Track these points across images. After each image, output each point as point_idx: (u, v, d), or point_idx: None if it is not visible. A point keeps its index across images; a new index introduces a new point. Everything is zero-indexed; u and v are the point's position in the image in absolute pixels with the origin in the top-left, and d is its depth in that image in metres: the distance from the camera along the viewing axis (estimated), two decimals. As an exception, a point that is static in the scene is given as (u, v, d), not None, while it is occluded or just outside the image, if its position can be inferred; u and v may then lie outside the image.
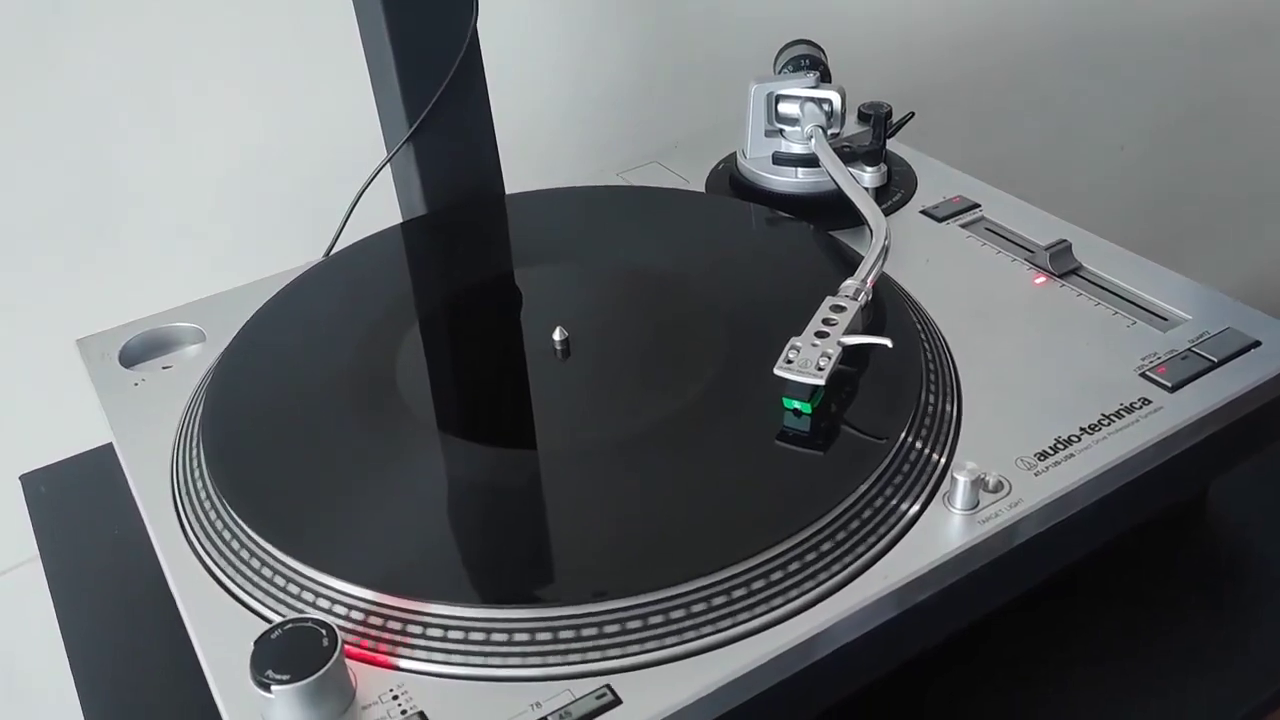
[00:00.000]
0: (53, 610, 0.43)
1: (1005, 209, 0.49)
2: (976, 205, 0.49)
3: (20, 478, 0.51)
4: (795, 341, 0.36)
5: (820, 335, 0.36)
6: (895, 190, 0.50)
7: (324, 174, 0.54)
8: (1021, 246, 0.46)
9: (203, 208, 0.60)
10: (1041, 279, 0.44)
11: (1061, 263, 0.44)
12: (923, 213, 0.49)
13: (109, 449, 0.43)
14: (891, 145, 0.53)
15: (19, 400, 0.59)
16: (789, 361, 0.36)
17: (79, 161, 0.57)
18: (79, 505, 0.49)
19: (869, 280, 0.39)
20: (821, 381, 0.35)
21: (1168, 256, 0.46)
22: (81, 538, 0.47)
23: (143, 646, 0.41)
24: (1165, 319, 0.41)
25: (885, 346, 0.36)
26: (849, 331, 0.37)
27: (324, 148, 0.58)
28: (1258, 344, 0.39)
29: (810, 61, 0.51)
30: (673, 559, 0.32)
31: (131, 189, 0.58)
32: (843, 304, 0.38)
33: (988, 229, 0.48)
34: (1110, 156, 0.94)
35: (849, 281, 0.39)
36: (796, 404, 0.36)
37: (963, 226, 0.48)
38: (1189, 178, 1.00)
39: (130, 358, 0.45)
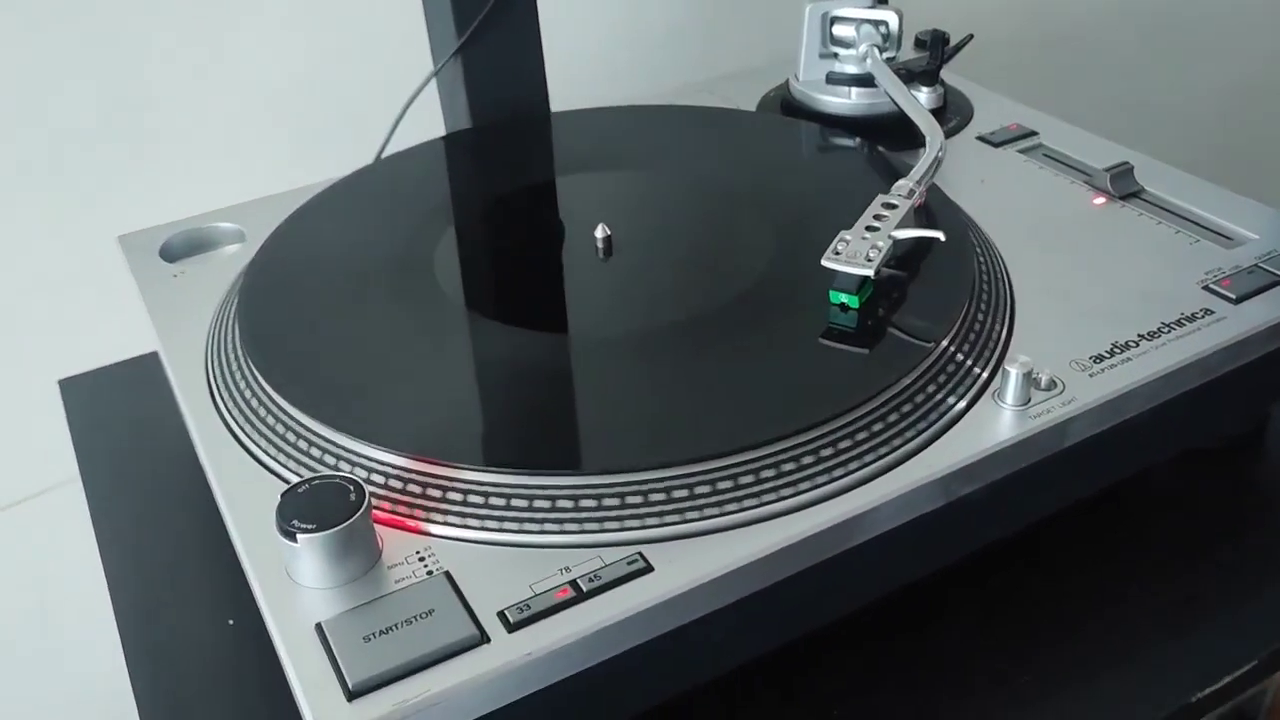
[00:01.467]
0: (88, 532, 0.43)
1: (1064, 135, 0.47)
2: (1034, 132, 0.47)
3: (59, 382, 0.51)
4: (845, 234, 0.35)
5: (870, 229, 0.35)
6: (951, 116, 0.49)
7: (372, 92, 0.53)
8: (1080, 171, 0.45)
9: (254, 123, 0.60)
10: (1101, 200, 0.42)
11: (1122, 184, 0.42)
12: (979, 139, 0.47)
13: (152, 357, 0.43)
14: (950, 78, 0.52)
15: (66, 310, 0.59)
16: (837, 253, 0.35)
17: (129, 76, 0.57)
18: (120, 410, 0.49)
19: (923, 183, 0.38)
20: (870, 272, 0.34)
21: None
22: (120, 443, 0.47)
23: (177, 557, 0.41)
24: (1230, 238, 0.40)
25: (938, 240, 0.35)
26: (900, 226, 0.36)
27: (372, 65, 0.58)
28: (1301, 256, 0.38)
29: (865, -18, 0.50)
30: (706, 435, 0.31)
31: (181, 104, 0.59)
32: (894, 201, 0.37)
33: (1045, 155, 0.46)
34: (1174, 113, 0.92)
35: (902, 181, 0.38)
36: (844, 297, 0.35)
37: (1020, 151, 0.46)
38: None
39: (171, 254, 0.45)
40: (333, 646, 0.27)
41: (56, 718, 0.70)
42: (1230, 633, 0.35)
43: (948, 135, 0.47)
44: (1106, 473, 0.36)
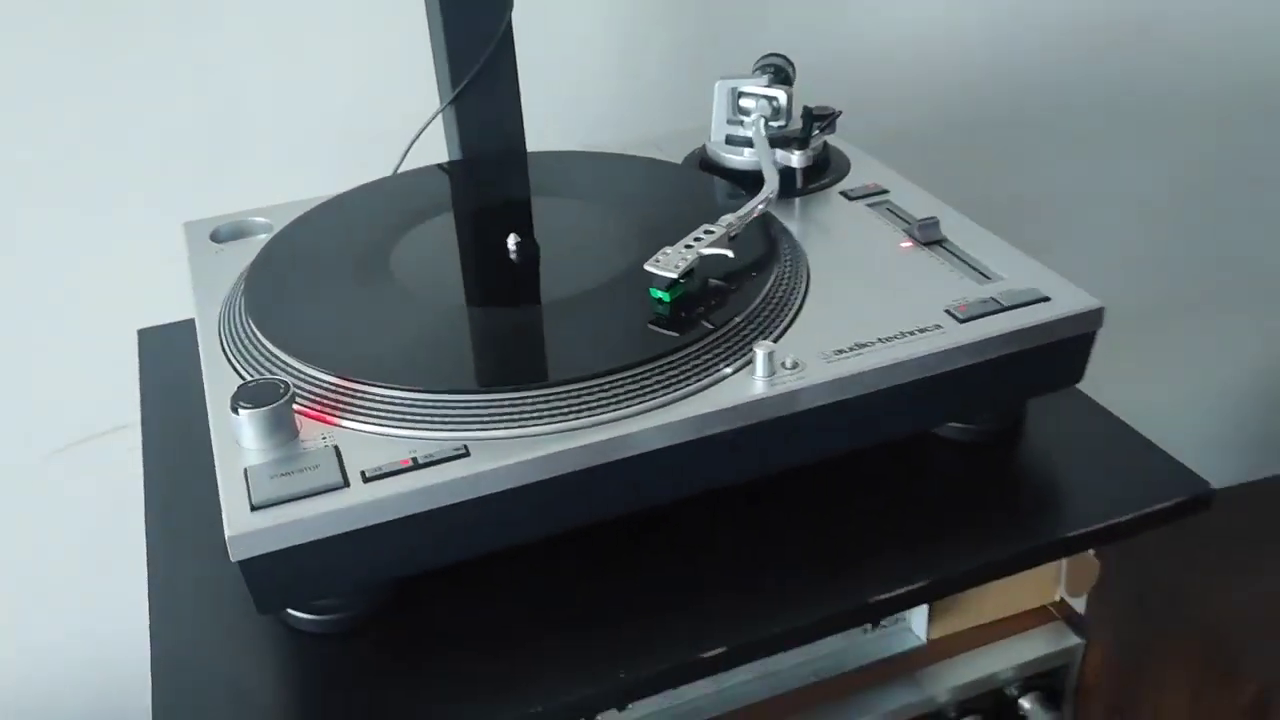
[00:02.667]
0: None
1: (911, 197, 0.60)
2: (885, 191, 0.60)
3: (139, 331, 0.67)
4: (666, 249, 0.48)
5: (687, 247, 0.48)
6: (827, 175, 0.61)
7: (407, 123, 0.68)
8: (906, 222, 0.57)
9: (303, 143, 0.76)
10: (908, 244, 0.54)
11: (927, 233, 0.54)
12: (841, 193, 0.60)
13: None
14: (849, 148, 0.65)
15: (148, 283, 0.76)
16: (656, 261, 0.48)
17: (223, 96, 0.74)
18: (184, 362, 0.65)
19: (743, 219, 0.51)
20: (674, 275, 0.47)
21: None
22: (182, 392, 0.62)
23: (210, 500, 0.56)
24: (989, 278, 0.51)
25: (727, 257, 0.48)
26: (710, 246, 0.49)
27: (407, 99, 0.73)
28: (1047, 299, 0.49)
29: (774, 69, 0.63)
30: (525, 371, 0.45)
31: (250, 120, 0.75)
32: (712, 229, 0.50)
33: (888, 209, 0.58)
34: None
35: (727, 216, 0.51)
36: (658, 294, 0.48)
37: (868, 205, 0.59)
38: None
39: (219, 238, 0.60)
40: (249, 480, 0.41)
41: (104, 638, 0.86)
42: (894, 570, 0.47)
43: (815, 189, 0.60)
44: (843, 438, 0.48)
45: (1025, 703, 0.62)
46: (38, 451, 0.78)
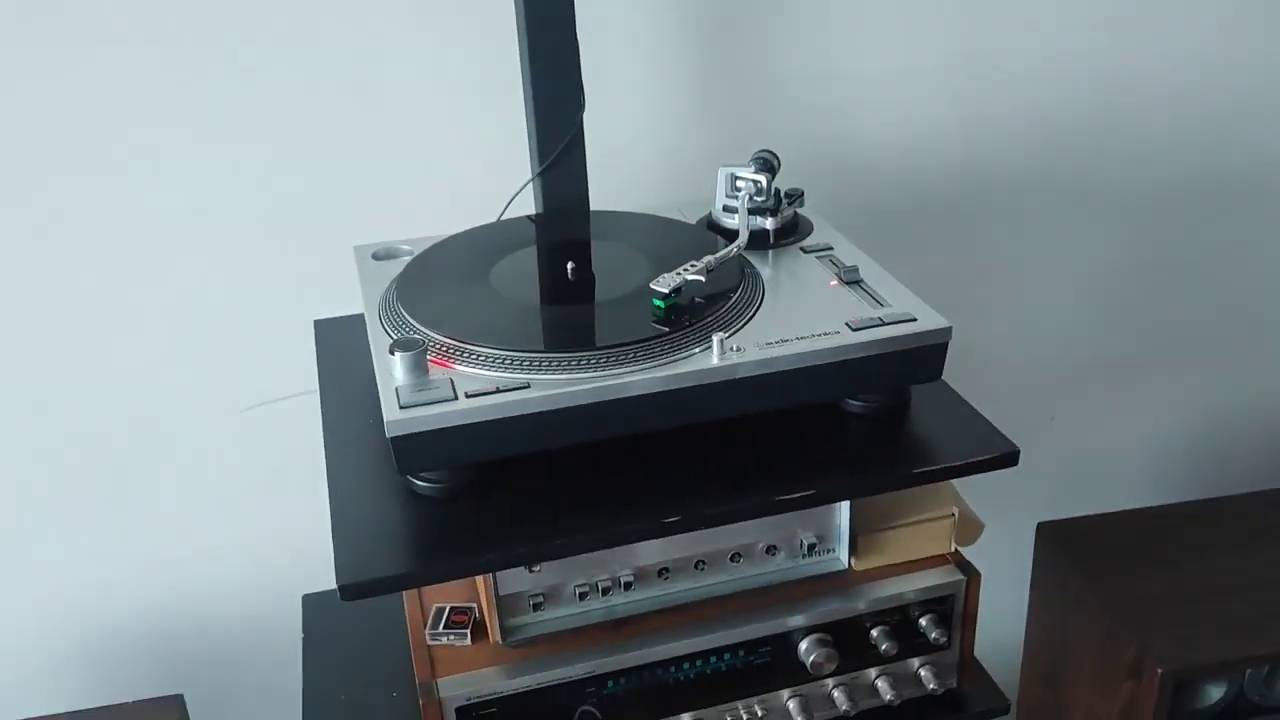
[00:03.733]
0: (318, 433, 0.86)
1: (848, 253, 0.86)
2: (831, 248, 0.86)
3: (315, 321, 0.97)
4: (664, 275, 0.76)
5: (677, 274, 0.76)
6: (793, 236, 0.88)
7: (503, 187, 0.96)
8: (837, 269, 0.83)
9: (434, 197, 1.05)
10: (835, 283, 0.81)
11: (849, 275, 0.80)
12: (800, 248, 0.86)
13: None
14: (815, 217, 0.91)
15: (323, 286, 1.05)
16: (658, 281, 0.75)
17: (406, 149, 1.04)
18: (353, 350, 0.94)
19: (719, 258, 0.78)
20: (666, 290, 0.74)
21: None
22: (352, 374, 0.90)
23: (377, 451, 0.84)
24: (881, 305, 0.77)
25: (700, 281, 0.75)
26: (693, 274, 0.76)
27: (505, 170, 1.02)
28: (914, 320, 0.75)
29: (763, 160, 0.89)
30: (569, 342, 0.72)
31: (400, 177, 1.05)
32: (697, 264, 0.77)
33: (830, 260, 0.84)
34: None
35: (707, 256, 0.78)
36: (656, 301, 0.75)
37: (816, 257, 0.85)
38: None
39: (378, 256, 0.89)
40: (399, 393, 0.69)
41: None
42: (797, 485, 0.73)
43: (783, 245, 0.87)
44: (772, 400, 0.73)
45: (923, 621, 0.86)
46: (238, 406, 1.08)
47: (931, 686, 0.87)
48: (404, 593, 0.86)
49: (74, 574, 1.13)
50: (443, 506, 0.72)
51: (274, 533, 1.15)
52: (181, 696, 1.04)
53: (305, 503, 1.13)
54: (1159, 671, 1.00)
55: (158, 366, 1.08)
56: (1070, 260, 1.27)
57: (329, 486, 0.75)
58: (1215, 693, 1.07)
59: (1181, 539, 1.17)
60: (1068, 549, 1.17)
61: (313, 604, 1.04)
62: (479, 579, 0.80)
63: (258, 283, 1.07)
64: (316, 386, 0.89)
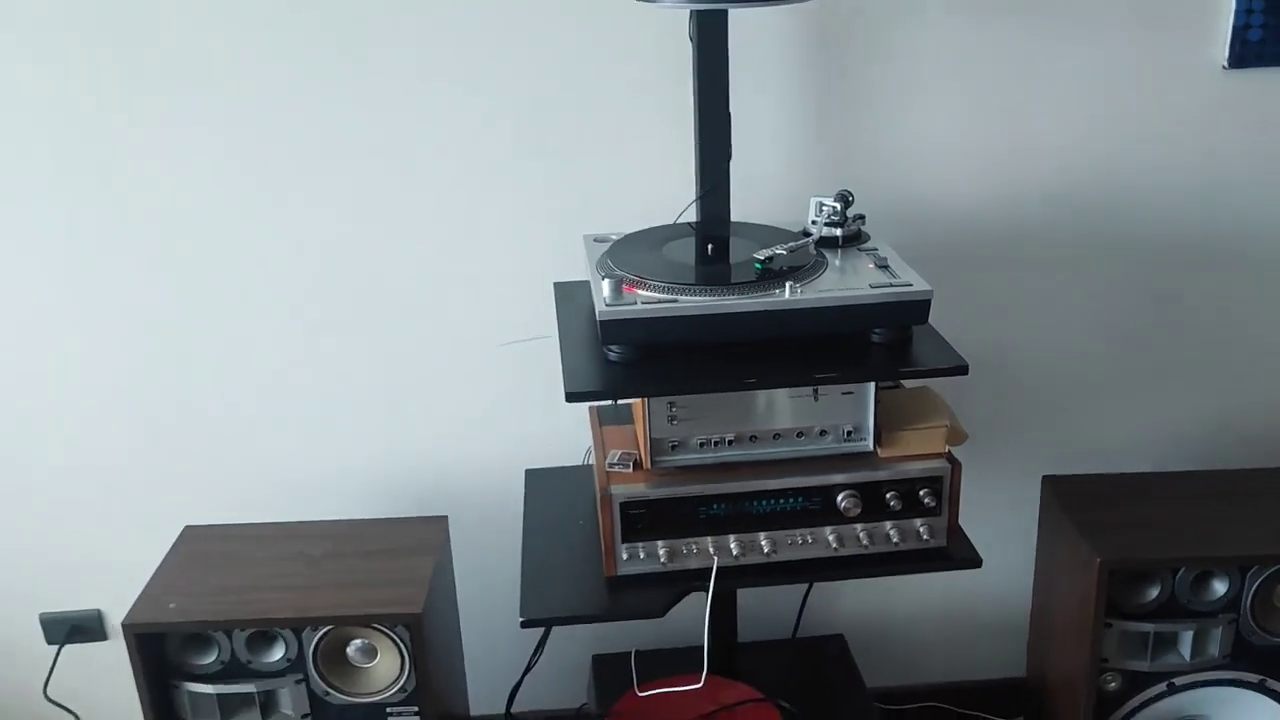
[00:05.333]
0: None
1: (888, 253, 1.36)
2: (876, 249, 1.36)
3: (555, 283, 1.53)
4: (763, 249, 1.28)
5: (771, 250, 1.28)
6: (854, 243, 1.39)
7: (677, 205, 1.51)
8: (875, 260, 1.33)
9: (632, 208, 1.61)
10: (871, 266, 1.31)
11: (880, 263, 1.31)
12: (858, 249, 1.37)
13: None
14: (873, 235, 1.42)
15: (558, 258, 1.62)
16: (758, 254, 1.28)
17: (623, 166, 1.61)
18: (577, 300, 1.50)
19: (791, 247, 1.30)
20: (763, 257, 1.26)
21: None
22: (577, 313, 1.46)
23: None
24: (896, 276, 1.27)
25: (784, 254, 1.27)
26: (778, 250, 1.28)
27: (678, 192, 1.56)
28: (910, 285, 1.25)
29: (842, 194, 1.41)
30: (702, 282, 1.25)
31: (608, 191, 1.61)
32: (782, 247, 1.29)
33: (873, 256, 1.35)
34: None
35: (795, 240, 1.30)
36: (757, 264, 1.27)
37: (866, 253, 1.36)
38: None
39: (597, 239, 1.45)
40: (605, 300, 1.23)
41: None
42: (834, 373, 1.24)
43: (847, 247, 1.38)
44: (822, 326, 1.24)
45: (922, 493, 1.34)
46: (492, 343, 1.66)
47: (926, 539, 1.35)
48: (594, 435, 1.40)
49: (374, 446, 1.73)
50: (622, 368, 1.26)
51: (509, 427, 1.72)
52: (446, 517, 1.61)
53: (532, 409, 1.70)
54: (1098, 561, 1.43)
55: (438, 314, 1.67)
56: (1085, 293, 1.72)
57: (563, 361, 1.30)
58: (1152, 592, 1.48)
59: (1154, 491, 1.59)
60: (1062, 494, 1.61)
61: (532, 475, 1.60)
62: (639, 431, 1.33)
63: (519, 255, 1.65)
64: (548, 332, 1.46)
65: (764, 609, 1.80)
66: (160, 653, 1.42)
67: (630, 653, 1.68)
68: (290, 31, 1.51)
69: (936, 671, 1.93)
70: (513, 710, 1.79)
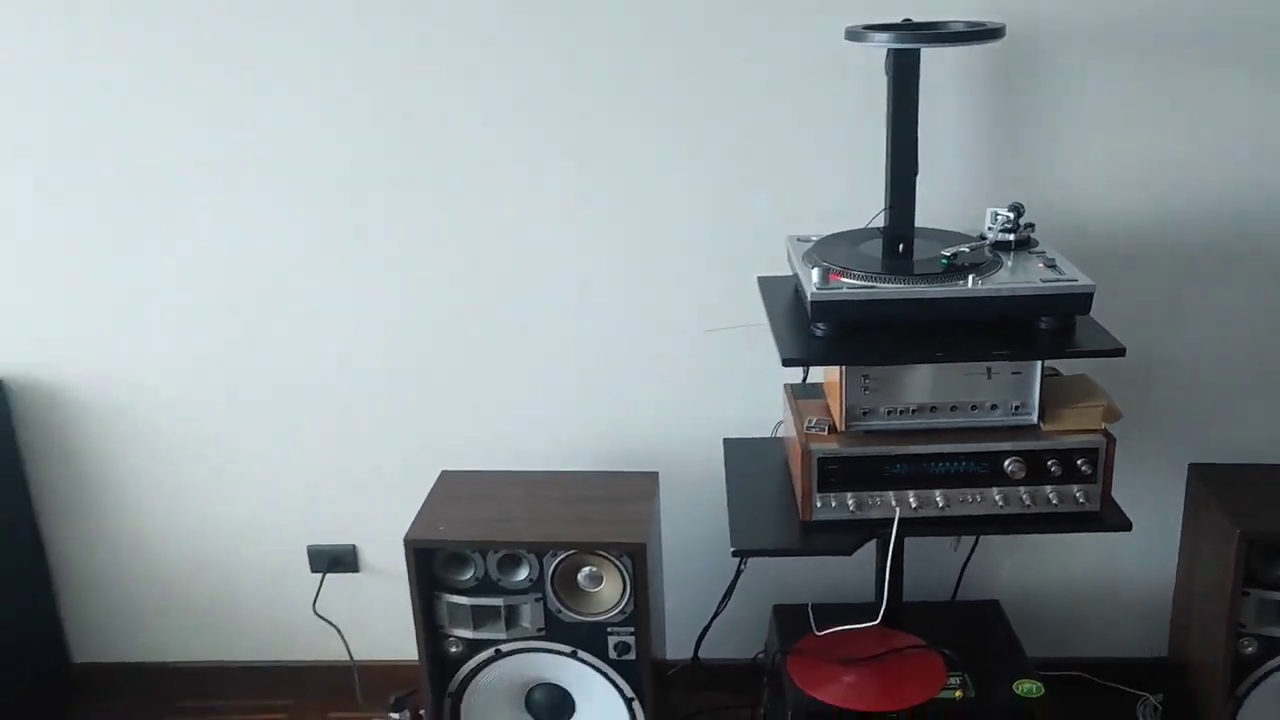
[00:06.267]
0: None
1: (1053, 255, 1.58)
2: (1045, 251, 1.59)
3: (758, 278, 1.80)
4: (946, 248, 1.52)
5: (954, 248, 1.52)
6: (1025, 247, 1.61)
7: (865, 216, 1.77)
8: (1043, 259, 1.56)
9: (835, 219, 1.87)
10: (1040, 265, 1.54)
11: (1049, 263, 1.54)
12: (1028, 252, 1.60)
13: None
14: (1041, 240, 1.64)
15: (766, 255, 1.88)
16: (944, 251, 1.52)
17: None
18: (783, 292, 1.76)
19: (973, 247, 1.54)
20: (948, 254, 1.51)
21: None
22: (780, 302, 1.73)
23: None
24: (1062, 273, 1.50)
25: (966, 252, 1.51)
26: (961, 249, 1.52)
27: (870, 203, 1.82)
28: (1075, 280, 1.47)
29: (1014, 206, 1.64)
30: (889, 271, 1.50)
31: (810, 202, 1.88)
32: (964, 248, 1.53)
33: (1042, 257, 1.57)
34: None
35: (974, 241, 1.54)
36: (943, 260, 1.51)
37: (1036, 255, 1.58)
38: None
39: (800, 239, 1.71)
40: (814, 285, 1.49)
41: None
42: (1007, 352, 1.47)
43: (1018, 250, 1.61)
44: (999, 312, 1.48)
45: (1079, 462, 1.56)
46: (701, 327, 1.94)
47: (1082, 502, 1.57)
48: (790, 405, 1.66)
49: (598, 412, 2.02)
50: (826, 342, 1.52)
51: (709, 402, 1.99)
52: (657, 473, 1.89)
53: (729, 387, 1.97)
54: (1238, 532, 1.62)
55: (653, 303, 1.95)
56: (1234, 301, 1.90)
57: (775, 336, 1.57)
58: (1290, 565, 1.66)
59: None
60: (1208, 479, 1.79)
61: (730, 444, 1.87)
62: (834, 399, 1.58)
63: (719, 253, 1.92)
64: (755, 320, 1.72)
65: (925, 572, 2.02)
66: (429, 567, 1.73)
67: (807, 605, 1.92)
68: (535, 40, 1.82)
69: (1081, 645, 2.12)
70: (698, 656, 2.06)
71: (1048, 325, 1.52)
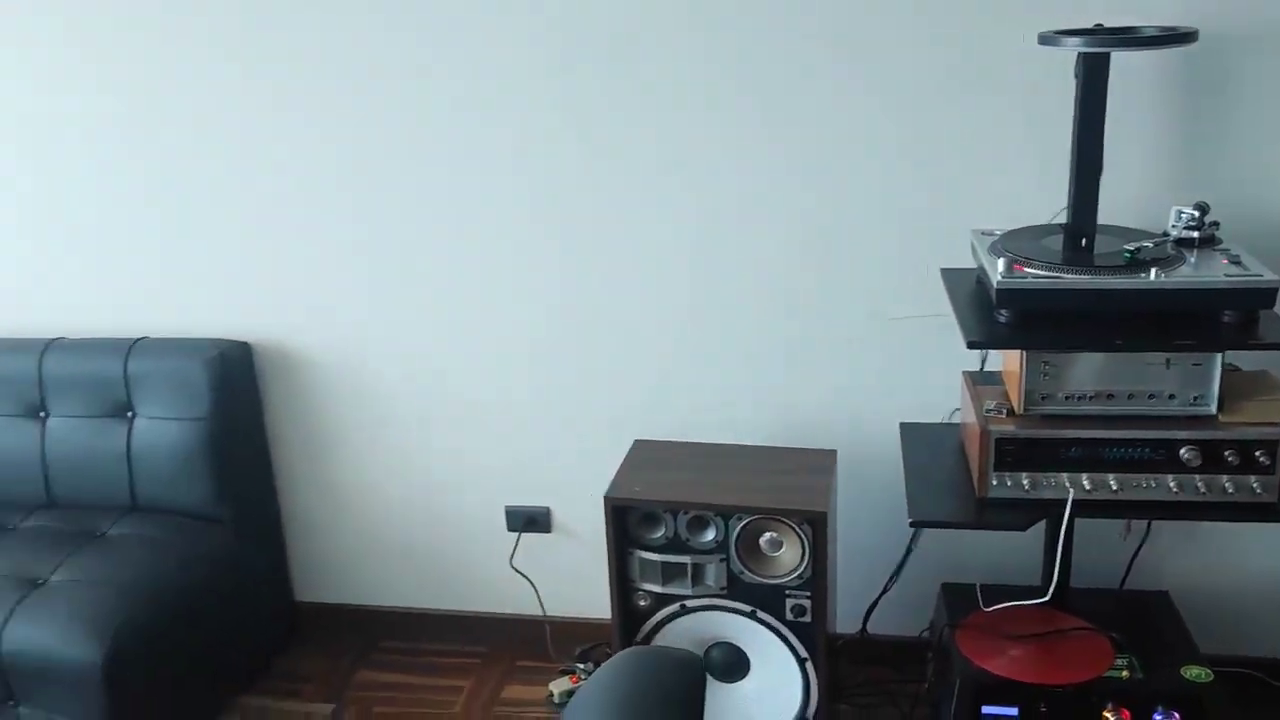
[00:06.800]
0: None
1: (1238, 253, 1.63)
2: (1229, 249, 1.64)
3: (941, 269, 1.89)
4: (1130, 243, 1.60)
5: (1136, 243, 1.59)
6: (1210, 244, 1.67)
7: (1048, 214, 1.84)
8: (1227, 255, 1.61)
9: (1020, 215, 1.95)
10: (1225, 261, 1.59)
11: (1233, 259, 1.59)
12: (1212, 249, 1.65)
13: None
14: (1225, 238, 1.69)
15: (949, 247, 1.98)
16: (1126, 247, 1.59)
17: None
18: (965, 282, 1.86)
19: (1156, 243, 1.61)
20: (1130, 248, 1.58)
21: None
22: (965, 294, 1.83)
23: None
24: (1247, 269, 1.55)
25: (1149, 247, 1.58)
26: (1144, 244, 1.59)
27: (1052, 201, 1.89)
28: (1261, 275, 1.53)
29: (1199, 204, 1.70)
30: (1068, 264, 1.59)
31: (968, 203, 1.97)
32: (1146, 242, 1.60)
33: (1226, 254, 1.63)
34: None
35: (1157, 238, 1.61)
36: (1125, 254, 1.59)
37: (1220, 252, 1.64)
38: None
39: (984, 233, 1.81)
40: (1000, 274, 1.59)
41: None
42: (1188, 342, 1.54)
43: (1203, 247, 1.66)
44: (1182, 306, 1.55)
45: (1257, 453, 1.61)
46: (886, 316, 2.05)
47: (1259, 493, 1.62)
48: (968, 390, 1.76)
49: (777, 392, 2.15)
50: (1008, 328, 1.61)
51: (886, 387, 2.09)
52: (835, 451, 2.01)
53: (906, 374, 2.07)
54: None
55: (836, 291, 2.07)
56: None
57: (959, 321, 1.67)
58: None
59: None
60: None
61: (906, 427, 1.97)
62: (1013, 383, 1.67)
63: (902, 245, 2.03)
64: (938, 310, 1.82)
65: (1094, 560, 2.07)
66: (624, 524, 1.90)
67: (974, 584, 2.01)
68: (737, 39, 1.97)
69: (1256, 644, 2.13)
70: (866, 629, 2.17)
71: (1230, 319, 1.57)
